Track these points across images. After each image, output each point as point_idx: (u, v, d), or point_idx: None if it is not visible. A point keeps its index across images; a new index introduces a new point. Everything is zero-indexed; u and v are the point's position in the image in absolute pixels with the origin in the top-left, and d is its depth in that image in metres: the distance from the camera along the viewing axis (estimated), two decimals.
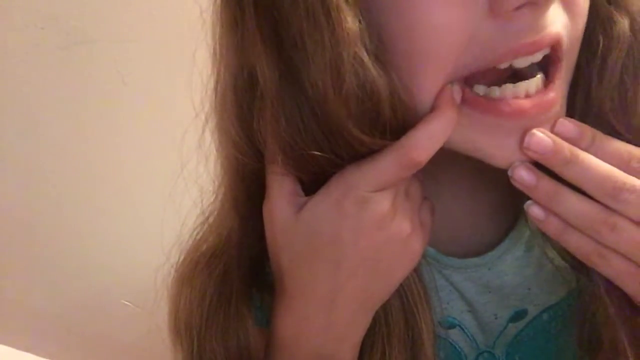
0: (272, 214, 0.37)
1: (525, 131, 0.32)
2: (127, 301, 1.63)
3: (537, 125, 0.32)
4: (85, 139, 1.28)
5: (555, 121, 0.33)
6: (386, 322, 0.38)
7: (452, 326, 0.43)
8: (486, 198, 0.42)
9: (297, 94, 0.32)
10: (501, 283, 0.43)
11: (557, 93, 0.33)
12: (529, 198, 0.34)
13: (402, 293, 0.39)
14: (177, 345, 0.45)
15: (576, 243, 0.34)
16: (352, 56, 0.30)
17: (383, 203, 0.34)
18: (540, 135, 0.32)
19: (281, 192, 0.36)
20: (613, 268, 0.33)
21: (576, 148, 0.32)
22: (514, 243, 0.44)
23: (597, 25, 0.34)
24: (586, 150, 0.32)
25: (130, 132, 1.31)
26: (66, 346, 1.63)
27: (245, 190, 0.40)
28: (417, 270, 0.40)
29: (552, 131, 0.33)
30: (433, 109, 0.32)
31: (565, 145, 0.32)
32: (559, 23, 0.32)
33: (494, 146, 0.33)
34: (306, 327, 0.36)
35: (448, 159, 0.37)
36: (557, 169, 0.33)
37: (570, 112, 0.35)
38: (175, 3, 1.14)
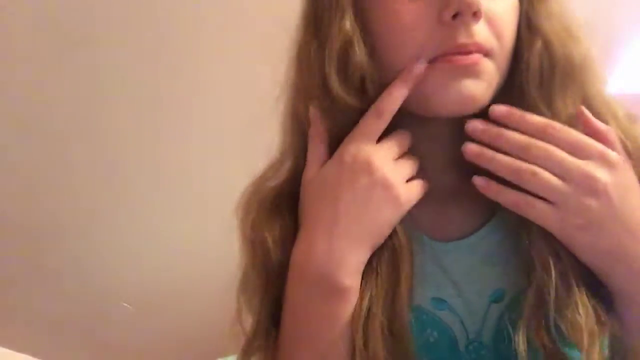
0: (305, 172, 0.51)
1: (462, 82, 0.47)
2: (127, 303, 1.63)
3: (471, 75, 0.48)
4: (85, 140, 1.29)
5: (494, 106, 0.49)
6: (376, 269, 0.49)
7: (442, 307, 0.51)
8: (470, 189, 0.50)
9: (322, 63, 0.49)
10: (482, 264, 0.52)
11: (483, 65, 0.48)
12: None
13: (392, 248, 0.49)
14: (244, 248, 0.56)
15: (508, 195, 0.47)
16: (350, 43, 0.49)
17: (372, 155, 0.48)
18: (476, 122, 0.49)
19: (313, 156, 0.51)
20: (537, 210, 0.46)
21: (500, 128, 0.48)
22: (494, 228, 0.53)
23: (522, 45, 0.51)
24: (516, 122, 0.48)
25: (130, 133, 1.31)
26: (66, 348, 1.63)
27: (303, 150, 0.53)
28: (407, 235, 0.50)
29: (491, 113, 0.49)
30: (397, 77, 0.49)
31: (493, 127, 0.48)
32: (484, 37, 0.48)
33: (442, 93, 0.48)
34: (313, 251, 0.47)
35: (435, 154, 0.53)
36: (490, 142, 0.48)
37: (512, 102, 0.50)
38: (174, 4, 1.15)
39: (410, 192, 0.49)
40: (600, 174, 0.45)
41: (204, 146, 1.39)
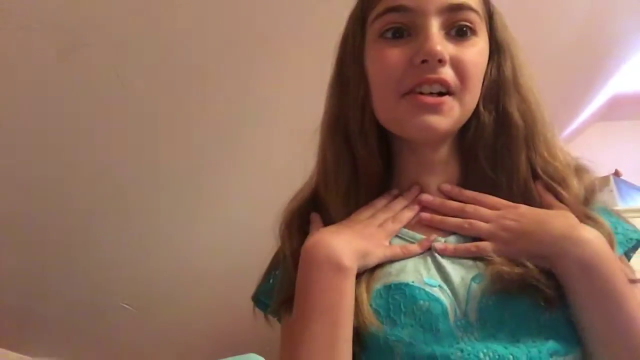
0: (308, 238, 0.66)
1: (427, 116, 0.63)
2: (126, 304, 1.63)
3: (435, 112, 0.63)
4: (84, 142, 1.29)
5: (443, 185, 0.69)
6: None
7: (434, 285, 0.61)
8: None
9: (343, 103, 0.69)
10: (466, 259, 0.64)
11: (448, 105, 0.63)
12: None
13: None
14: (281, 234, 0.71)
15: (450, 222, 0.67)
16: (360, 89, 0.67)
17: (375, 219, 0.68)
18: (428, 197, 0.69)
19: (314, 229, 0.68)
20: (482, 230, 0.64)
21: (443, 200, 0.69)
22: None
23: (473, 119, 0.67)
24: (456, 195, 0.68)
25: (130, 133, 1.31)
26: (66, 348, 1.63)
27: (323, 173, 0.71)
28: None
29: (440, 189, 0.69)
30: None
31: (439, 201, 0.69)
32: (448, 76, 0.62)
33: (413, 122, 0.63)
34: (322, 241, 0.62)
35: (424, 173, 0.70)
36: (438, 208, 0.69)
37: (465, 168, 0.70)
38: (174, 5, 1.15)
39: (392, 248, 0.66)
40: (508, 213, 0.64)
41: (205, 146, 1.39)
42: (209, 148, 1.40)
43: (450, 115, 0.63)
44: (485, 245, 0.63)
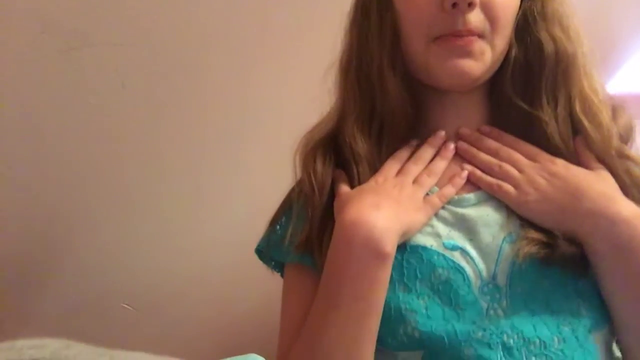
0: (338, 189, 0.63)
1: (457, 59, 0.60)
2: (127, 304, 1.63)
3: (465, 55, 0.60)
4: (85, 142, 1.29)
5: (483, 126, 0.67)
6: None
7: (454, 248, 0.57)
8: None
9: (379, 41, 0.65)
10: (495, 212, 0.60)
11: (479, 47, 0.60)
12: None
13: None
14: (302, 163, 0.67)
15: (485, 179, 0.62)
16: (388, 33, 0.63)
17: (408, 176, 0.62)
18: (466, 130, 0.66)
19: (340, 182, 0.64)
20: (503, 191, 0.60)
21: (481, 136, 0.65)
22: None
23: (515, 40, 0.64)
24: (495, 137, 0.65)
25: (131, 134, 1.31)
26: None
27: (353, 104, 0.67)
28: None
29: (479, 129, 0.67)
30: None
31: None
32: (478, 21, 0.59)
33: (445, 67, 0.60)
34: (362, 219, 0.55)
35: (450, 122, 0.67)
36: (473, 144, 0.65)
37: (497, 115, 0.67)
38: (174, 6, 1.15)
39: (432, 203, 0.60)
40: (543, 168, 0.60)
41: (205, 146, 1.39)
42: (209, 147, 1.40)
43: (482, 59, 0.60)
44: (509, 190, 0.59)
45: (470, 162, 0.64)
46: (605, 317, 0.55)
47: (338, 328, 0.53)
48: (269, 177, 1.53)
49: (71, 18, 1.09)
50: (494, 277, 0.56)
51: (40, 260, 1.44)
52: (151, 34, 1.17)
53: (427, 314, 0.54)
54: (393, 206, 0.57)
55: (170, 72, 1.24)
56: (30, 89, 1.15)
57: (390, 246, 0.54)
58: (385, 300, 0.55)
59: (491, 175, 0.62)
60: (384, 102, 0.64)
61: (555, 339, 0.52)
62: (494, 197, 0.61)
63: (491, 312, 0.54)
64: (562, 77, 0.62)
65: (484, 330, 0.53)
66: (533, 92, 0.63)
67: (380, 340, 0.55)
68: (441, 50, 0.60)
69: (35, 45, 1.09)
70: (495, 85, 0.66)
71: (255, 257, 0.72)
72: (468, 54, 0.59)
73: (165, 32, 1.17)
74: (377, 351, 0.55)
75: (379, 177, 0.61)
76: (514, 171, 0.61)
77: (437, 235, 0.58)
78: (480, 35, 0.60)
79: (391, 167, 0.63)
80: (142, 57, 1.19)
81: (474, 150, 0.64)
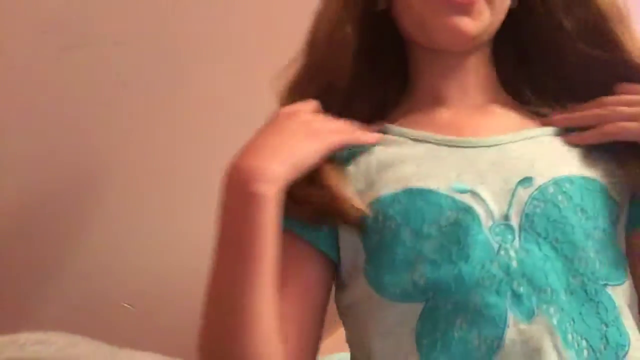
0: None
1: (457, 17, 0.57)
2: (127, 304, 1.63)
3: (466, 13, 0.57)
4: (85, 142, 1.29)
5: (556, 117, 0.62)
6: None
7: (464, 191, 0.53)
8: (490, 107, 0.63)
9: None
10: (509, 158, 0.57)
11: (478, 6, 0.57)
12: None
13: None
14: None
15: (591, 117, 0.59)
16: None
17: (301, 107, 0.59)
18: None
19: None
20: (623, 127, 0.56)
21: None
22: (518, 136, 0.60)
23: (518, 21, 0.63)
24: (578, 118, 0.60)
25: (131, 133, 1.31)
26: None
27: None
28: None
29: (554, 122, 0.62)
30: None
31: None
32: None
33: (441, 24, 0.58)
34: (239, 164, 0.54)
35: (447, 85, 0.63)
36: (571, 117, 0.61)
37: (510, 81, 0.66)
38: (174, 5, 1.15)
39: (331, 127, 0.58)
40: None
41: (206, 146, 1.39)
42: (210, 147, 1.40)
43: (481, 19, 0.58)
44: (630, 126, 0.55)
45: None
46: (623, 275, 0.53)
47: (220, 274, 0.54)
48: None
49: (71, 18, 1.08)
50: (506, 217, 0.52)
51: (40, 260, 1.43)
52: (151, 34, 1.17)
53: (434, 259, 0.51)
54: (274, 141, 0.55)
55: (170, 72, 1.24)
56: (31, 88, 1.15)
57: (263, 186, 0.51)
58: (390, 246, 0.52)
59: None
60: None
61: (564, 290, 0.50)
62: (528, 139, 0.59)
63: (502, 252, 0.50)
64: (603, 41, 0.60)
65: (493, 275, 0.49)
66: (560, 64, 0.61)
67: (381, 289, 0.53)
68: (439, 6, 0.57)
69: (36, 44, 1.09)
70: (503, 44, 0.64)
71: None
72: (466, 11, 0.57)
73: (165, 31, 1.17)
74: (374, 302, 0.53)
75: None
76: (624, 108, 0.56)
77: (447, 178, 0.55)
78: None
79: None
80: (143, 57, 1.19)
81: (572, 115, 0.60)
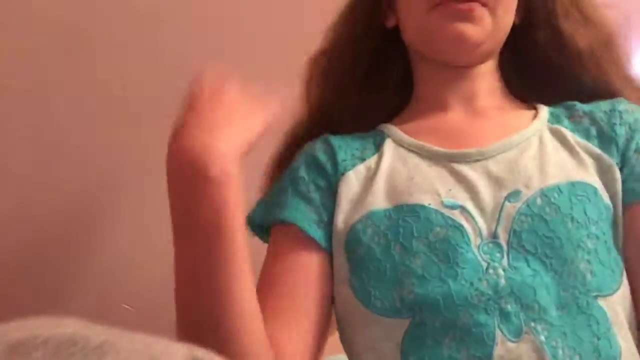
0: None
1: (458, 24, 0.60)
2: (127, 305, 1.63)
3: (467, 20, 0.59)
4: (85, 142, 1.29)
5: None
6: None
7: (454, 207, 0.54)
8: (478, 121, 0.63)
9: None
10: (498, 169, 0.57)
11: (479, 12, 0.59)
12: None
13: None
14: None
15: None
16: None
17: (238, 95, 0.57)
18: None
19: None
20: None
21: None
22: (508, 145, 0.60)
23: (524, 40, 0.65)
24: None
25: (132, 134, 1.31)
26: None
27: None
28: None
29: None
30: None
31: None
32: None
33: (444, 32, 0.60)
34: (187, 144, 0.50)
35: (444, 96, 0.65)
36: None
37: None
38: (174, 5, 1.15)
39: (258, 104, 0.56)
40: None
41: None
42: None
43: (482, 25, 0.60)
44: None
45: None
46: (616, 282, 0.52)
47: (190, 261, 0.52)
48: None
49: (72, 18, 1.08)
50: (494, 235, 0.53)
51: (39, 260, 1.43)
52: (151, 34, 1.17)
53: (423, 275, 0.51)
54: (217, 120, 0.52)
55: (171, 71, 1.23)
56: (31, 88, 1.15)
57: (216, 167, 0.49)
58: (380, 260, 0.52)
59: None
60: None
61: (554, 306, 0.49)
62: (501, 152, 0.59)
63: (490, 271, 0.51)
64: (595, 67, 0.64)
65: (482, 293, 0.49)
66: (557, 79, 0.64)
67: (368, 303, 0.53)
68: (441, 15, 0.60)
69: (36, 45, 1.09)
70: (510, 64, 0.66)
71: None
72: (468, 18, 0.59)
73: (165, 31, 1.17)
74: (361, 315, 0.53)
75: None
76: None
77: (436, 194, 0.55)
78: (483, 4, 0.60)
79: None
80: (143, 57, 1.19)
81: None
